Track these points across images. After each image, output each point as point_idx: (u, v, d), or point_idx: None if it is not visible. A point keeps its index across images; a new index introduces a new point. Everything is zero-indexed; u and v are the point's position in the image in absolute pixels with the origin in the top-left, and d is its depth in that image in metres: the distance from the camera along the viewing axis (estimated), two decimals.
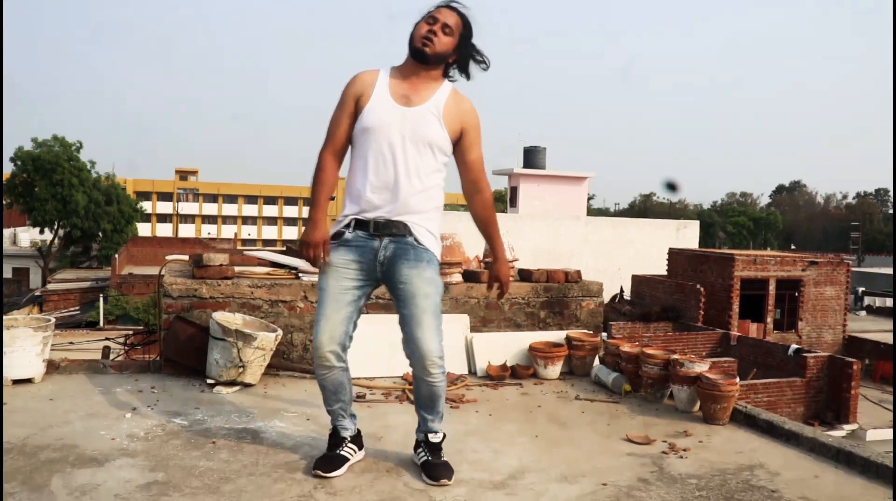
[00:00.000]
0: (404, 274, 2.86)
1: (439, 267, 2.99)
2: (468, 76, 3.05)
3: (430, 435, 3.02)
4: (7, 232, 48.27)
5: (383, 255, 2.88)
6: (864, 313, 30.15)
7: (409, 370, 3.02)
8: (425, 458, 3.00)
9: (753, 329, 18.99)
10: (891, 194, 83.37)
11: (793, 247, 63.97)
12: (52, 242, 40.51)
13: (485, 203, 3.06)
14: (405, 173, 2.86)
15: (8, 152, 37.90)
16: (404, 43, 2.98)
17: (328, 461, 2.96)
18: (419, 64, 2.91)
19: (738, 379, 3.93)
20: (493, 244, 3.11)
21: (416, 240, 2.89)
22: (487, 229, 3.11)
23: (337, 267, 2.90)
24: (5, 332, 3.98)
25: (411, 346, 2.88)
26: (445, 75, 3.01)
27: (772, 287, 19.10)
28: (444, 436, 3.08)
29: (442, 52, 2.90)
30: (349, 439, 3.04)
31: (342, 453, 3.00)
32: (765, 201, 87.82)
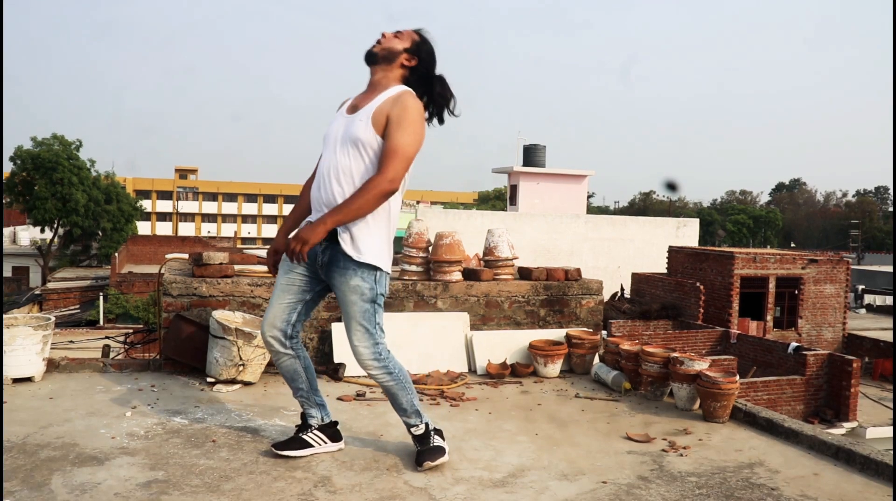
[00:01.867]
0: (335, 280, 2.99)
1: (372, 271, 2.95)
2: (440, 120, 3.10)
3: (410, 429, 3.13)
4: (7, 231, 48.30)
5: (321, 259, 3.00)
6: (863, 311, 30.16)
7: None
8: (416, 448, 3.12)
9: (753, 327, 18.99)
10: (890, 191, 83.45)
11: (792, 245, 64.08)
12: (51, 240, 40.50)
13: (366, 183, 2.85)
14: (336, 178, 2.93)
15: (8, 151, 37.92)
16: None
17: (287, 441, 3.13)
18: (372, 67, 3.02)
19: (737, 377, 3.93)
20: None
21: (342, 249, 2.93)
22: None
23: (288, 263, 3.08)
24: (5, 331, 3.98)
25: (350, 347, 3.05)
26: (416, 90, 3.01)
27: (771, 285, 19.10)
28: (427, 426, 3.13)
29: (389, 47, 2.99)
30: (315, 427, 3.16)
31: (304, 437, 3.13)
32: (764, 198, 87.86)
